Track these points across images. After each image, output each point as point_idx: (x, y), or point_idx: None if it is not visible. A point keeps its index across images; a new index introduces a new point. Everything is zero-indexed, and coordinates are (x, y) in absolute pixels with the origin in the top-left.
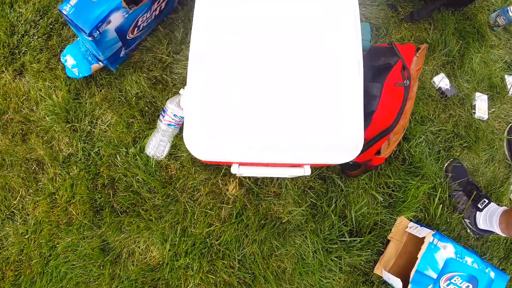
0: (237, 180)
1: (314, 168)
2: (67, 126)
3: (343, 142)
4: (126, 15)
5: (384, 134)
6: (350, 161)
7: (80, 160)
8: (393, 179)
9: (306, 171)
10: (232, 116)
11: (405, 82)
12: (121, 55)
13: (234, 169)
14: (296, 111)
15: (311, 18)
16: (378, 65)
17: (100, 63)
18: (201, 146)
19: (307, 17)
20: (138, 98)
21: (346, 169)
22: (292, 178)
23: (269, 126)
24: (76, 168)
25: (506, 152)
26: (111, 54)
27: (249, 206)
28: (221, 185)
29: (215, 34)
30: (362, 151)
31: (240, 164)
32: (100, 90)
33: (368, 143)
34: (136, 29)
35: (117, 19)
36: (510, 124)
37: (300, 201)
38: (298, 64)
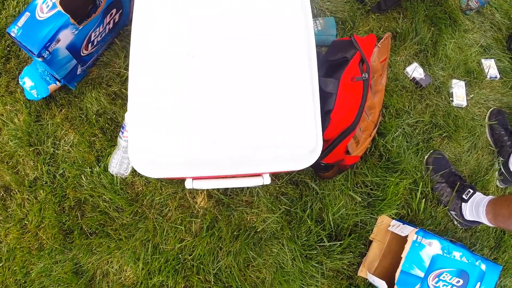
0: (205, 192)
1: (285, 173)
2: (30, 149)
3: (300, 147)
4: (76, 32)
5: (346, 133)
6: (322, 163)
7: (46, 183)
8: (370, 177)
9: (266, 180)
10: (178, 129)
11: (363, 75)
12: (78, 73)
13: (188, 184)
14: (245, 119)
15: (258, 16)
16: (335, 59)
17: (58, 82)
18: (148, 163)
19: (253, 15)
20: (98, 115)
21: (319, 171)
22: (262, 185)
23: (219, 137)
24: (43, 192)
25: (489, 138)
26: (67, 73)
27: (220, 218)
28: (189, 198)
29: (155, 41)
30: (326, 153)
31: (194, 178)
32: (61, 110)
33: (332, 144)
34: (90, 44)
35: (66, 36)
36: (491, 109)
37: (274, 208)
38: (245, 68)
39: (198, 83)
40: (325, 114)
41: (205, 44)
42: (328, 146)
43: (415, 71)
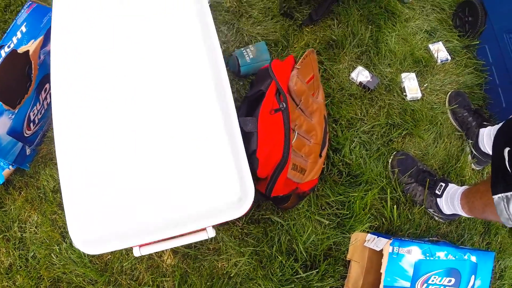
0: (168, 249)
1: (244, 215)
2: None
3: (230, 195)
4: (13, 116)
5: (279, 168)
6: (279, 196)
7: (20, 267)
8: (333, 197)
9: (210, 233)
10: (109, 203)
11: (281, 106)
12: (28, 154)
13: (136, 253)
14: (169, 180)
15: (162, 62)
16: (251, 95)
17: (11, 167)
18: (90, 241)
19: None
20: (55, 192)
21: (278, 204)
22: (224, 230)
23: (148, 202)
24: (19, 277)
25: (453, 122)
26: (16, 156)
27: (190, 271)
28: (156, 258)
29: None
30: (270, 189)
31: (140, 246)
32: (20, 193)
33: (270, 181)
34: (31, 124)
35: (4, 123)
36: (449, 93)
37: (242, 250)
38: (159, 128)
39: (116, 155)
40: (252, 154)
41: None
42: (268, 183)
43: (360, 74)
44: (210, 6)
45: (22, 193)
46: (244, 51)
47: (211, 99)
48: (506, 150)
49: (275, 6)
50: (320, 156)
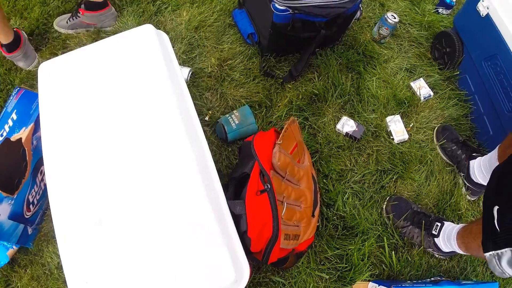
0: None
1: None
2: None
3: (228, 276)
4: (13, 201)
5: (272, 243)
6: (279, 258)
7: None
8: (331, 252)
9: None
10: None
11: (265, 187)
12: (30, 233)
13: None
14: (163, 269)
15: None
16: (236, 177)
17: (14, 246)
18: None
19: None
20: (60, 269)
21: (277, 266)
22: None
23: None
24: None
25: (444, 157)
26: (19, 237)
27: None
28: None
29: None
30: (266, 260)
31: None
32: (25, 271)
33: (265, 253)
34: (31, 206)
35: (4, 210)
36: (435, 128)
37: None
38: (151, 217)
39: (110, 239)
40: (243, 234)
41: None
42: (263, 255)
43: (346, 125)
44: (192, 73)
45: (28, 270)
46: (229, 117)
47: (198, 187)
48: (495, 208)
49: (255, 66)
50: (313, 215)
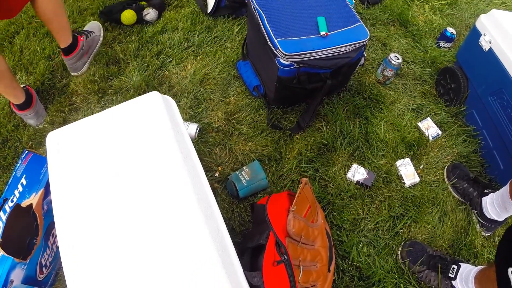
0: None
1: None
2: None
3: None
4: (26, 266)
5: None
6: None
7: None
8: None
9: None
10: None
11: (282, 258)
12: None
13: None
14: None
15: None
16: (252, 246)
17: None
18: None
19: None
20: None
21: None
22: None
23: None
24: None
25: (456, 195)
26: None
27: None
28: None
29: None
30: None
31: None
32: None
33: None
34: (43, 268)
35: (18, 275)
36: (446, 167)
37: None
38: None
39: None
40: None
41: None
42: None
43: (356, 173)
44: (200, 129)
45: None
46: (240, 174)
47: (213, 257)
48: (510, 270)
49: (262, 119)
50: (329, 271)
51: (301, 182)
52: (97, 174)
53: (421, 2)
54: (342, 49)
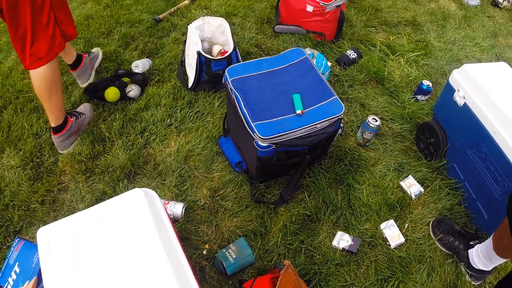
0: None
1: None
2: None
3: None
4: None
5: None
6: None
7: None
8: None
9: None
10: None
11: None
12: None
13: None
14: None
15: None
16: None
17: None
18: None
19: None
20: None
21: None
22: None
23: None
24: None
25: (442, 249)
26: None
27: None
28: None
29: None
30: None
31: None
32: None
33: None
34: None
35: None
36: (431, 222)
37: None
38: None
39: None
40: None
41: None
42: None
43: (341, 240)
44: (186, 208)
45: None
46: (226, 252)
47: None
48: None
49: (246, 194)
50: None
51: (284, 265)
52: (86, 268)
53: (396, 56)
54: (318, 125)
